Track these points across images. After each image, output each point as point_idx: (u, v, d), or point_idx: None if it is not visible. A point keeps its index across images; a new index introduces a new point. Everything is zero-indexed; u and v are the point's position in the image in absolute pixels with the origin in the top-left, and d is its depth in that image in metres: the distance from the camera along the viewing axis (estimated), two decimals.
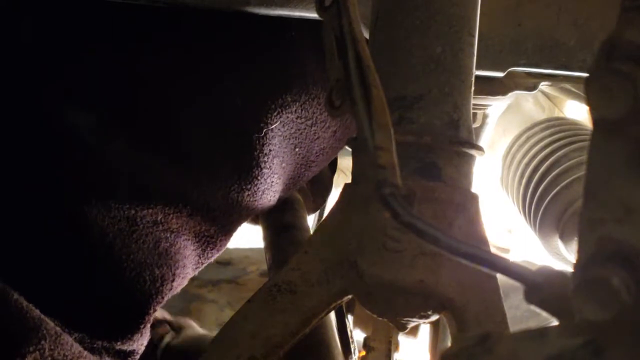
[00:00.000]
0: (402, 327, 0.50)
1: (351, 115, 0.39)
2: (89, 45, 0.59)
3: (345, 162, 1.13)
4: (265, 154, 0.63)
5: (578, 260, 0.27)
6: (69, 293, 0.57)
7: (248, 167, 0.62)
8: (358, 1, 0.42)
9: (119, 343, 0.59)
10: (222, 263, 1.62)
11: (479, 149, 0.49)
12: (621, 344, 0.25)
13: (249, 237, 1.33)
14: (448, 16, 0.47)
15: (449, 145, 0.47)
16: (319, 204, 0.99)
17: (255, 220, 0.95)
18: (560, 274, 0.27)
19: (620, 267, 0.25)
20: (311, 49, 0.64)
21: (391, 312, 0.48)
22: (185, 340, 1.04)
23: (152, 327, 1.06)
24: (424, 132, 0.46)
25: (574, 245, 0.89)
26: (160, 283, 0.60)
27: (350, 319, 0.81)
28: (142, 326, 0.60)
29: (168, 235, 0.60)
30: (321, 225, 0.50)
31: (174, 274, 0.61)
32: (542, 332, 0.27)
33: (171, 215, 0.60)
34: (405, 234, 0.31)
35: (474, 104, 0.66)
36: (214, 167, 0.62)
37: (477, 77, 0.53)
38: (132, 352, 0.62)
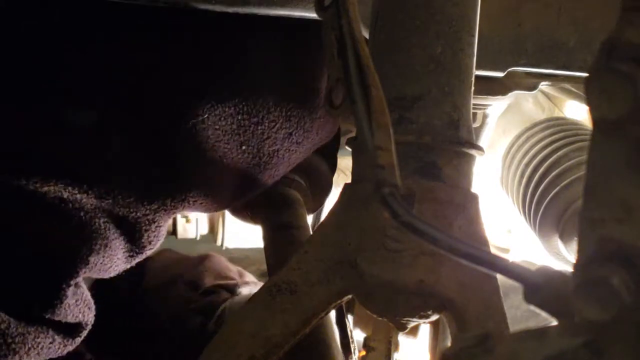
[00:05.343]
0: (402, 327, 0.50)
1: (351, 115, 0.39)
2: (88, 45, 0.59)
3: (345, 162, 1.13)
4: (194, 146, 0.62)
5: (578, 260, 0.27)
6: None
7: (169, 160, 0.62)
8: (358, 1, 0.42)
9: (48, 315, 0.60)
10: None
11: (479, 149, 0.49)
12: (621, 344, 0.25)
13: (249, 237, 1.33)
14: (448, 16, 0.47)
15: (449, 145, 0.47)
16: (319, 204, 0.99)
17: (255, 220, 0.94)
18: (560, 274, 0.27)
19: (620, 267, 0.25)
20: (264, 48, 0.63)
21: (391, 312, 0.48)
22: (239, 303, 1.00)
23: (205, 294, 1.04)
24: (423, 132, 0.46)
25: (574, 245, 0.89)
26: (72, 256, 0.60)
27: (350, 319, 0.81)
28: (62, 296, 0.60)
29: (82, 214, 0.60)
30: (321, 225, 0.50)
31: (90, 249, 0.61)
32: (542, 332, 0.27)
33: (78, 195, 0.60)
34: (405, 233, 0.31)
35: (474, 104, 0.66)
36: (134, 154, 0.61)
37: (477, 77, 0.53)
38: (76, 325, 0.63)
